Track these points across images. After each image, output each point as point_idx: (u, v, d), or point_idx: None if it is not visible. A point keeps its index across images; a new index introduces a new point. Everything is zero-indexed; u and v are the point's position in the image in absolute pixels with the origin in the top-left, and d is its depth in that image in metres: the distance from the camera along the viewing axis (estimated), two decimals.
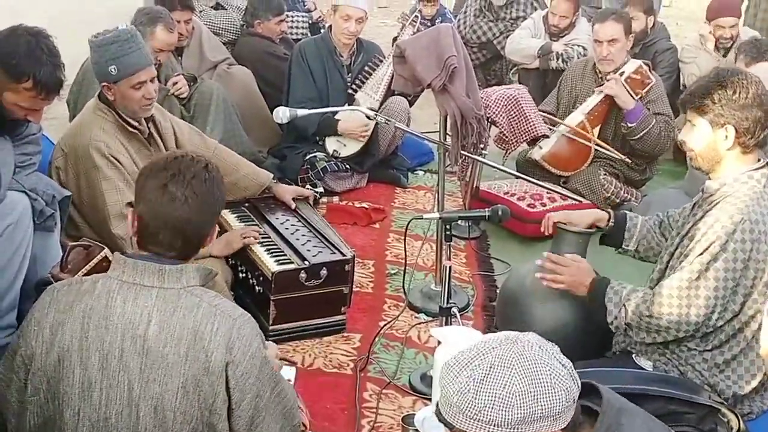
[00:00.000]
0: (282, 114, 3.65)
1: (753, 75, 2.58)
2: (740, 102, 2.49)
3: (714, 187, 2.60)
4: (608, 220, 3.02)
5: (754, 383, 2.58)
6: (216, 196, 1.97)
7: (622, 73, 4.58)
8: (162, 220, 1.91)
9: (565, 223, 3.02)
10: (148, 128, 3.29)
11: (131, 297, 1.87)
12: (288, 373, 2.62)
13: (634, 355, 2.72)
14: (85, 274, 2.24)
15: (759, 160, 2.58)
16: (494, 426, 1.53)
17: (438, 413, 1.61)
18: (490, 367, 1.55)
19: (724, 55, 5.47)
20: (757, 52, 4.89)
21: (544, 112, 4.77)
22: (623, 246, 3.02)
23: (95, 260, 2.30)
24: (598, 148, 4.63)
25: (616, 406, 1.69)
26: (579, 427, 1.65)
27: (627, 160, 4.61)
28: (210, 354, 1.85)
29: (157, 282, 1.88)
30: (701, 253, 2.50)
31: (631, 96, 4.51)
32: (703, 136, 2.58)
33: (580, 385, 1.61)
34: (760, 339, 1.93)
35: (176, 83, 4.44)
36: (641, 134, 4.50)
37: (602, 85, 4.63)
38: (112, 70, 3.07)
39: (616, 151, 4.61)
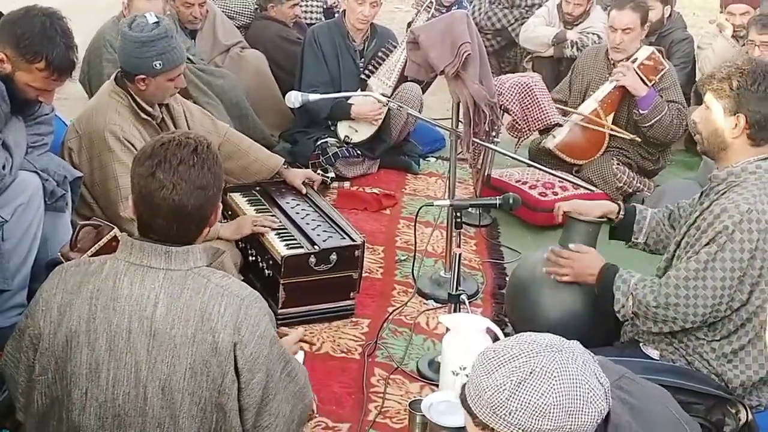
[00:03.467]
0: (294, 98, 3.64)
1: None
2: (758, 94, 2.47)
3: (721, 177, 2.58)
4: (618, 213, 3.01)
5: (762, 373, 2.56)
6: (207, 178, 1.92)
7: (635, 60, 4.56)
8: (153, 209, 1.89)
9: (576, 213, 3.00)
10: (161, 113, 3.32)
11: (138, 279, 1.87)
12: (297, 356, 2.62)
13: (641, 344, 2.71)
14: (94, 254, 2.24)
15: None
16: (520, 429, 1.52)
17: (464, 399, 1.59)
18: (531, 372, 1.52)
19: (743, 45, 5.42)
20: None
21: (556, 100, 4.75)
22: (633, 239, 3.01)
23: (104, 240, 2.30)
24: (613, 133, 4.60)
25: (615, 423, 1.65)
26: None
27: (638, 138, 4.57)
28: (218, 335, 1.85)
29: (164, 264, 1.88)
30: (708, 244, 2.49)
31: (645, 83, 4.48)
32: (714, 119, 2.56)
33: (611, 403, 1.59)
34: (767, 331, 1.92)
35: None
36: (653, 121, 4.48)
37: (614, 72, 4.60)
38: (157, 65, 3.12)
39: (628, 133, 4.58)
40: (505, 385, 1.52)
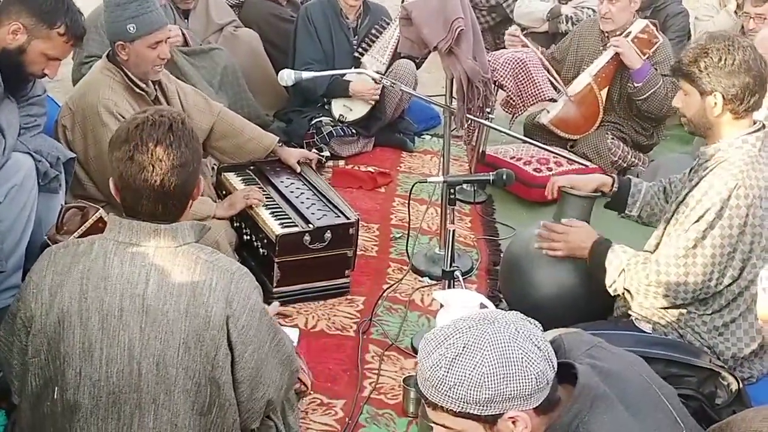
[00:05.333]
0: (287, 77, 3.63)
1: (743, 40, 2.54)
2: (726, 69, 2.47)
3: (709, 153, 2.58)
4: (612, 185, 3.01)
5: (754, 346, 2.58)
6: (186, 155, 1.91)
7: (628, 34, 4.54)
8: (136, 191, 1.89)
9: (569, 187, 3.01)
10: (155, 90, 3.30)
11: (128, 257, 1.88)
12: (291, 334, 2.64)
13: (634, 318, 2.72)
14: (81, 236, 2.25)
15: (754, 123, 2.57)
16: (464, 402, 1.58)
17: (415, 384, 1.65)
18: (464, 347, 1.60)
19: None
20: None
21: (550, 59, 4.73)
22: (626, 211, 3.02)
23: (90, 221, 2.30)
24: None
25: (592, 393, 1.68)
26: (554, 405, 1.67)
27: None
28: (210, 309, 1.87)
29: (153, 241, 1.90)
30: (697, 221, 2.50)
31: (639, 55, 4.48)
32: (693, 103, 2.57)
33: (556, 366, 1.65)
34: (757, 307, 1.93)
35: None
36: (648, 94, 4.48)
37: (608, 46, 4.59)
38: (131, 28, 3.10)
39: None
40: (440, 362, 1.60)
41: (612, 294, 2.73)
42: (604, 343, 1.91)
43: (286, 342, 2.09)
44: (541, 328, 1.71)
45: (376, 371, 2.90)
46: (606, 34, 4.65)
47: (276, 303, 2.61)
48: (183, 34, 4.53)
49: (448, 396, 1.59)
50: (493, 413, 1.60)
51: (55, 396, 1.91)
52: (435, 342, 1.63)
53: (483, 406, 1.58)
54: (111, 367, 1.87)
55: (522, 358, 1.59)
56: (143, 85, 3.23)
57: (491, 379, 1.57)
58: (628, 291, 2.65)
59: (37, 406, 1.95)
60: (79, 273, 1.88)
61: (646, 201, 2.99)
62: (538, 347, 1.62)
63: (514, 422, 1.62)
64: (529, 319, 1.71)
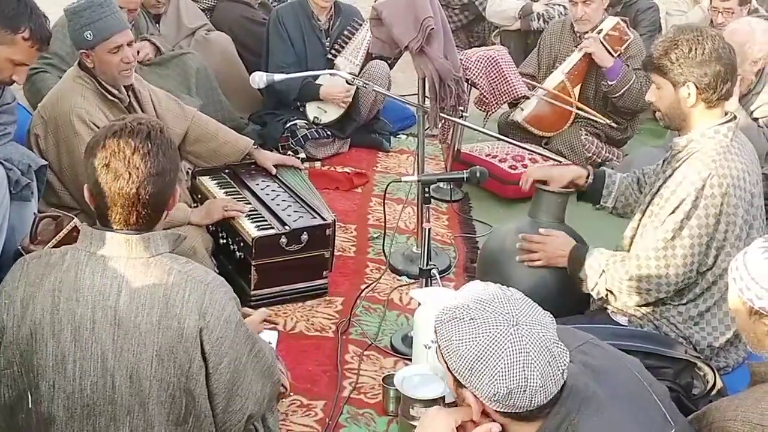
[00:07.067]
0: (258, 79, 3.60)
1: (710, 30, 2.58)
2: (697, 59, 2.50)
3: (682, 144, 2.61)
4: (587, 177, 3.03)
5: (729, 334, 2.61)
6: (163, 164, 1.89)
7: (600, 31, 4.57)
8: (111, 198, 1.87)
9: (543, 182, 3.02)
10: (129, 97, 3.28)
11: (100, 268, 1.86)
12: (270, 336, 2.63)
13: (610, 312, 2.74)
14: (56, 245, 2.22)
15: (726, 114, 2.59)
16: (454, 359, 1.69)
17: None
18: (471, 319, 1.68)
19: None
20: None
21: (525, 74, 4.76)
22: (601, 202, 3.04)
23: (64, 231, 2.28)
24: (579, 112, 4.63)
25: (581, 395, 1.71)
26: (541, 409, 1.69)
27: (608, 121, 4.61)
28: (183, 321, 1.84)
29: (125, 252, 1.87)
30: (673, 212, 2.52)
31: (610, 53, 4.51)
32: (667, 96, 2.59)
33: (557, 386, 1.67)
34: (728, 297, 1.95)
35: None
36: (622, 91, 4.51)
37: (580, 44, 4.62)
38: (88, 35, 3.07)
39: (596, 114, 4.61)
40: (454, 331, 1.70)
41: (596, 297, 2.74)
42: (595, 339, 1.92)
43: (266, 352, 2.06)
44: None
45: (356, 371, 2.90)
46: (578, 34, 4.68)
47: (263, 309, 2.58)
48: (155, 44, 4.51)
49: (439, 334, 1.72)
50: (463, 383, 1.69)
51: (30, 407, 1.89)
52: (463, 316, 1.69)
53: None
54: (84, 379, 1.85)
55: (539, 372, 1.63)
56: (116, 92, 3.21)
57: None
58: (611, 292, 2.66)
59: (12, 417, 1.93)
60: (51, 284, 1.86)
61: (621, 192, 3.01)
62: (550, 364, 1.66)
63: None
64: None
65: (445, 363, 1.72)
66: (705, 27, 2.63)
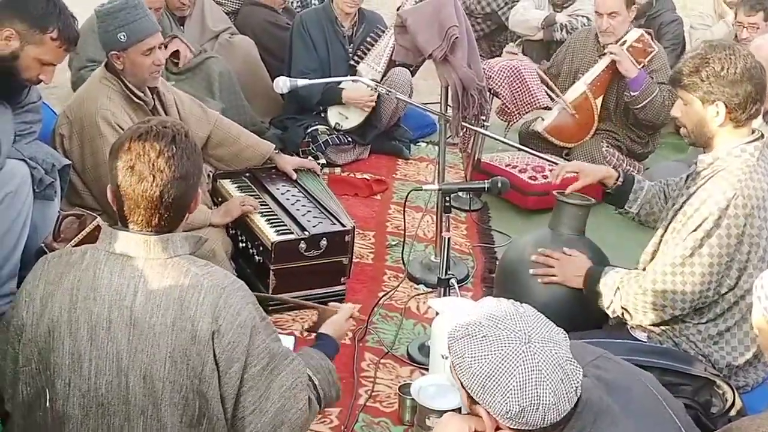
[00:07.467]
0: (282, 84, 3.63)
1: (742, 49, 2.53)
2: (729, 78, 2.46)
3: (707, 161, 2.58)
4: (617, 179, 3.01)
5: (748, 355, 2.58)
6: (188, 167, 1.90)
7: (623, 43, 4.55)
8: (134, 200, 1.87)
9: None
10: (153, 100, 3.30)
11: (118, 268, 1.87)
12: (287, 341, 2.63)
13: (629, 327, 2.72)
14: (78, 244, 2.24)
15: (753, 132, 2.56)
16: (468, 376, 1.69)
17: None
18: (484, 337, 1.66)
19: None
20: (755, 1, 4.83)
21: (546, 72, 4.75)
22: (626, 207, 3.01)
23: (87, 229, 2.30)
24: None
25: (595, 408, 1.70)
26: (555, 426, 1.68)
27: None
28: (196, 323, 1.84)
29: (143, 253, 1.88)
30: (695, 230, 2.49)
31: (634, 64, 4.49)
32: (694, 113, 2.55)
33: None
34: (752, 316, 1.93)
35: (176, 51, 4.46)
36: (644, 103, 4.48)
37: (604, 55, 4.61)
38: (122, 36, 3.09)
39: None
40: (466, 347, 1.71)
41: (611, 316, 2.72)
42: (609, 354, 1.91)
43: (294, 373, 1.98)
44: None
45: (372, 379, 2.90)
46: (602, 45, 4.67)
47: (348, 305, 2.55)
48: (185, 43, 4.54)
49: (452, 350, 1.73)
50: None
51: (47, 405, 1.89)
52: (477, 331, 1.69)
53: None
54: (99, 378, 1.85)
55: (549, 390, 1.63)
56: (141, 95, 3.23)
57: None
58: (626, 310, 2.64)
59: (29, 415, 1.94)
60: (69, 283, 1.87)
61: (647, 200, 2.98)
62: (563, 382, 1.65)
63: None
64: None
65: (459, 380, 1.72)
66: (737, 45, 2.59)
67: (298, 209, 3.42)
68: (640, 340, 2.68)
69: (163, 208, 1.89)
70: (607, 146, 4.63)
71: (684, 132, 2.64)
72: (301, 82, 3.68)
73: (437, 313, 2.77)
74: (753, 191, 2.46)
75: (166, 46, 4.37)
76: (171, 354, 1.84)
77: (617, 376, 1.83)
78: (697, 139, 2.61)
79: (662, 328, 2.66)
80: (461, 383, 1.71)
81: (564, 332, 1.74)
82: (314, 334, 2.42)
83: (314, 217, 3.37)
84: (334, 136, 4.66)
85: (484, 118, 3.83)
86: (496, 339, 1.66)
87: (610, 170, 3.07)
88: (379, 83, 4.41)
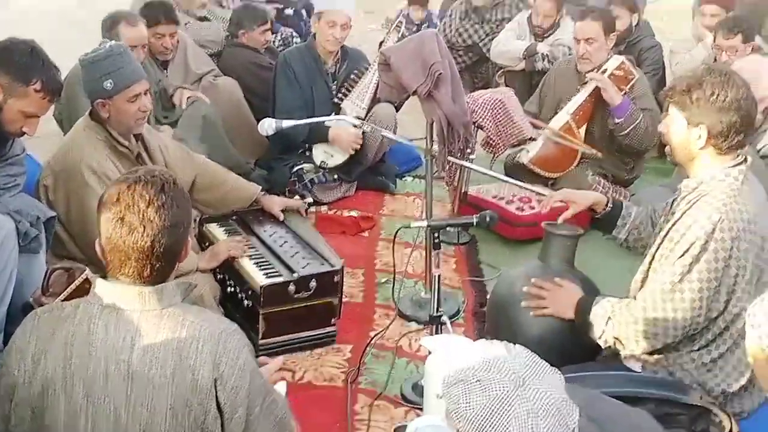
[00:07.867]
0: (267, 126, 3.63)
1: (739, 78, 2.53)
2: (717, 104, 2.47)
3: (691, 186, 2.59)
4: (606, 204, 3.02)
5: (743, 381, 2.57)
6: (178, 216, 1.89)
7: (604, 71, 4.58)
8: (125, 252, 1.85)
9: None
10: (138, 146, 3.28)
11: (113, 322, 1.85)
12: (278, 388, 2.60)
13: (622, 357, 2.71)
14: (67, 298, 2.21)
15: (738, 156, 2.57)
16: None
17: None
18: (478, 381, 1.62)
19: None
20: (733, 24, 4.88)
21: (528, 113, 4.77)
22: (614, 233, 3.02)
23: (76, 283, 2.27)
24: (584, 150, 4.63)
25: None
26: None
27: (599, 155, 4.60)
28: (197, 372, 1.82)
29: (138, 305, 1.86)
30: (682, 255, 2.49)
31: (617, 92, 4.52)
32: (678, 130, 2.58)
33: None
34: (746, 343, 1.92)
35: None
36: (629, 130, 4.50)
37: (585, 84, 4.63)
38: (108, 84, 3.08)
39: (594, 150, 4.60)
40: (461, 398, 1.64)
41: (603, 346, 2.70)
42: (600, 395, 1.89)
43: (279, 403, 2.04)
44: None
45: (366, 422, 2.87)
46: (581, 72, 4.70)
47: (279, 358, 2.52)
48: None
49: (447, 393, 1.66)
50: None
51: None
52: (471, 376, 1.65)
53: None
54: None
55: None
56: (126, 143, 3.21)
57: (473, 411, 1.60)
58: (618, 340, 2.63)
59: None
60: (63, 338, 1.85)
61: (635, 225, 2.99)
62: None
63: None
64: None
65: (455, 427, 1.70)
66: (736, 73, 2.57)
67: (286, 251, 3.40)
68: (634, 371, 2.66)
69: (154, 259, 1.87)
70: (593, 174, 4.64)
71: (668, 149, 2.66)
72: (286, 123, 3.68)
73: (430, 352, 2.75)
74: (738, 214, 2.47)
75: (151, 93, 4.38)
76: (172, 406, 1.82)
77: (610, 413, 1.82)
78: (678, 158, 2.63)
79: (656, 357, 2.65)
80: (458, 430, 1.69)
81: (558, 372, 1.72)
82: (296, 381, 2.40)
83: (303, 258, 3.35)
84: (320, 174, 4.66)
85: (469, 151, 3.84)
86: (489, 383, 1.64)
87: (599, 196, 3.09)
88: (364, 120, 4.42)
